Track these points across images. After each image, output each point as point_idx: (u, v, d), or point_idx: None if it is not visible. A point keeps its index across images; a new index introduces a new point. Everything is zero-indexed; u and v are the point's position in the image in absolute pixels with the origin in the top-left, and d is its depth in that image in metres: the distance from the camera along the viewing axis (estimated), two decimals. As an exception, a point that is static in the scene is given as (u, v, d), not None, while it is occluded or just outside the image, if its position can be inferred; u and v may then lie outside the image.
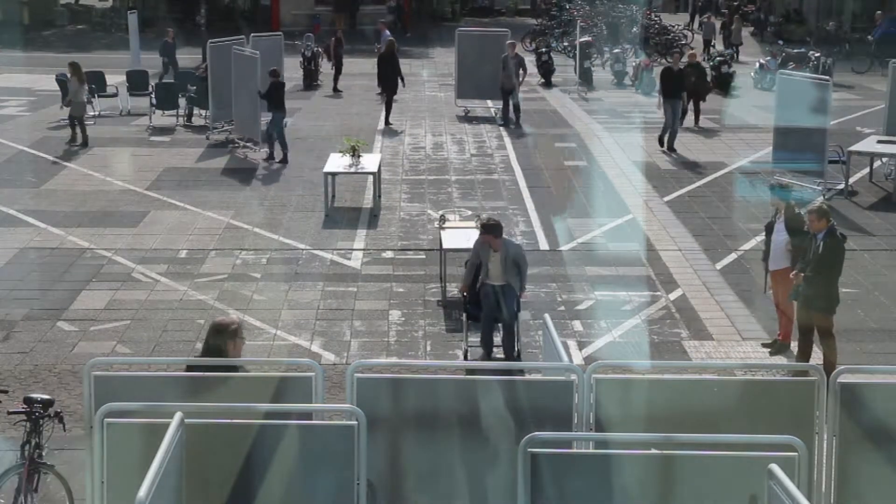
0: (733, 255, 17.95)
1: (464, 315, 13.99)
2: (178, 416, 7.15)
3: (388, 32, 34.21)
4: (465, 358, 13.67)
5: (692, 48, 35.09)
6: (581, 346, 14.28)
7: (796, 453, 7.07)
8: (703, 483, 7.22)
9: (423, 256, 17.87)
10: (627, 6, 44.17)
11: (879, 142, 23.13)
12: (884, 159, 22.93)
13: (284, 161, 24.13)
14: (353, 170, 20.59)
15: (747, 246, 18.27)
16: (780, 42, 41.48)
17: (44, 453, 9.86)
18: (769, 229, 14.21)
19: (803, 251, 13.36)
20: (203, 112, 27.87)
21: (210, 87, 26.14)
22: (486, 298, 13.49)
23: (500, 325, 13.66)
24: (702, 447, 7.38)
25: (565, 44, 42.48)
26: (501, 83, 28.44)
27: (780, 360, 13.83)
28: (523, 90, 34.21)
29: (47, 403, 9.87)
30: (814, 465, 8.31)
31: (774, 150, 22.91)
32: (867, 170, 22.89)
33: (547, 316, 10.73)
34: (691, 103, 27.83)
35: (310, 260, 17.70)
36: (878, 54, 36.76)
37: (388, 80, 29.18)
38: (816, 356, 13.20)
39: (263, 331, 14.70)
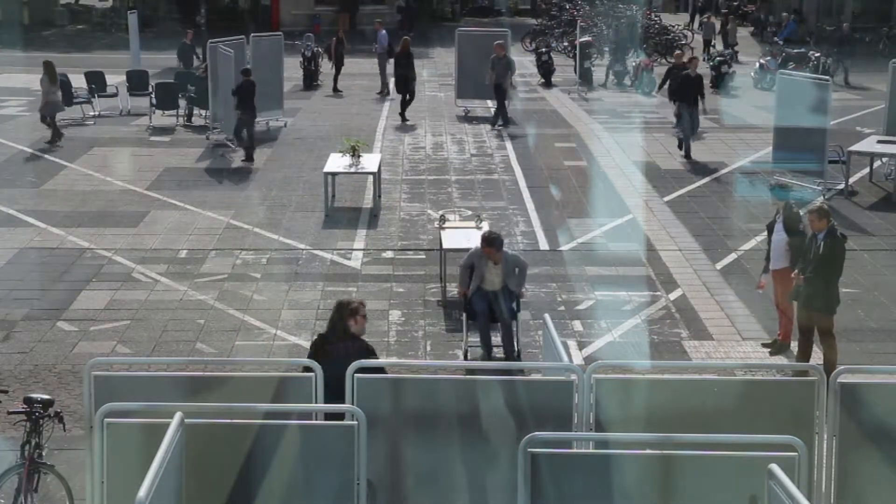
0: (733, 255, 17.95)
1: (464, 315, 13.99)
2: (178, 416, 7.16)
3: (384, 32, 34.19)
4: (465, 358, 13.67)
5: (692, 48, 35.14)
6: (581, 346, 14.28)
7: (796, 453, 7.08)
8: (703, 483, 7.22)
9: (423, 256, 17.87)
10: (627, 6, 44.17)
11: (879, 142, 23.13)
12: (884, 159, 22.93)
13: (249, 160, 24.13)
14: (353, 170, 20.59)
15: (747, 246, 18.27)
16: (780, 42, 41.47)
17: (44, 453, 9.86)
18: (770, 229, 14.21)
19: (801, 251, 13.37)
20: (203, 112, 27.87)
21: (210, 87, 26.14)
22: (480, 302, 13.52)
23: (498, 325, 13.68)
24: (702, 447, 7.38)
25: (565, 44, 42.49)
26: (492, 83, 28.21)
27: (780, 360, 13.83)
28: (523, 90, 34.30)
29: (47, 403, 9.87)
30: (814, 465, 8.31)
31: (774, 150, 22.91)
32: (867, 170, 22.88)
33: (547, 316, 10.74)
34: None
35: (310, 260, 17.70)
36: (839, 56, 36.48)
37: (406, 79, 29.37)
38: (816, 356, 13.20)
39: (263, 331, 14.70)
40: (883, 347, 14.32)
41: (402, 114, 29.31)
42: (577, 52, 34.84)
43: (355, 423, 7.62)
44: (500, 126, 28.16)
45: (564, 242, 18.63)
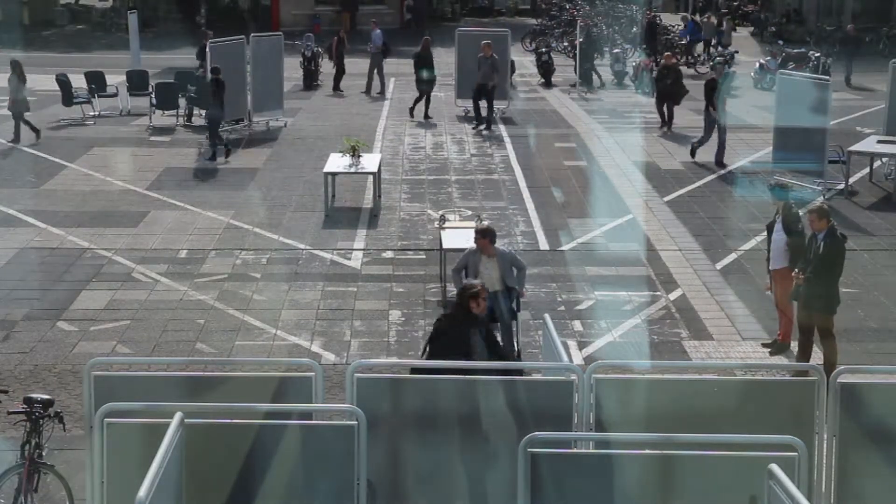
0: (733, 255, 17.95)
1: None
2: (178, 416, 7.16)
3: (378, 31, 34.19)
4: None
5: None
6: (581, 346, 14.28)
7: (796, 453, 7.08)
8: (703, 483, 7.23)
9: (423, 256, 17.87)
10: (627, 6, 44.16)
11: (879, 142, 23.13)
12: (884, 159, 22.93)
13: (213, 158, 24.20)
14: (353, 170, 20.59)
15: (747, 246, 18.27)
16: (780, 42, 41.49)
17: (44, 453, 9.86)
18: (770, 229, 14.21)
19: (800, 251, 13.37)
20: (203, 112, 27.85)
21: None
22: None
23: (498, 325, 13.67)
24: (702, 447, 7.38)
25: (565, 44, 42.49)
26: (480, 81, 28.09)
27: (780, 360, 13.83)
28: (523, 90, 34.30)
29: (47, 403, 9.87)
30: (814, 465, 8.31)
31: (774, 150, 22.91)
32: (867, 170, 22.88)
33: (547, 316, 10.74)
34: (665, 107, 27.83)
35: (310, 260, 17.70)
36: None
37: (428, 78, 29.61)
38: (816, 356, 13.20)
39: (263, 331, 14.70)
40: (883, 347, 14.32)
41: (412, 109, 29.71)
42: (577, 52, 34.83)
43: (355, 423, 7.62)
44: (481, 128, 27.94)
45: (564, 242, 18.63)
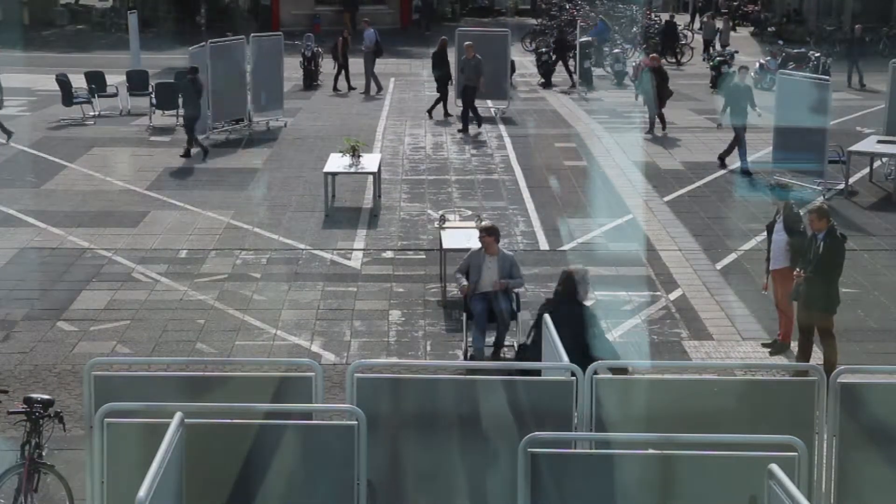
0: (733, 255, 17.95)
1: (464, 315, 14.00)
2: (178, 416, 7.16)
3: (371, 30, 34.17)
4: (466, 358, 13.68)
5: (692, 48, 35.11)
6: (581, 346, 14.26)
7: (796, 453, 7.08)
8: (703, 483, 7.22)
9: (423, 256, 17.87)
10: (627, 6, 44.15)
11: (879, 142, 23.13)
12: (884, 159, 22.92)
13: (187, 155, 24.26)
14: (353, 170, 20.58)
15: (747, 246, 18.27)
16: (780, 42, 41.47)
17: (44, 453, 9.86)
18: (770, 229, 14.21)
19: (801, 251, 13.37)
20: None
21: (210, 87, 26.10)
22: (479, 303, 13.55)
23: (496, 325, 13.73)
24: (702, 447, 7.38)
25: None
26: (463, 85, 27.78)
27: (780, 360, 13.83)
28: (523, 90, 34.29)
29: (47, 403, 9.87)
30: (814, 465, 8.31)
31: (774, 150, 22.90)
32: (867, 170, 22.89)
33: (547, 316, 10.74)
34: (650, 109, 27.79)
35: (310, 260, 17.70)
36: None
37: (444, 77, 29.66)
38: (816, 356, 13.20)
39: (263, 331, 14.70)
40: (883, 347, 14.32)
41: (429, 111, 29.78)
42: (577, 52, 34.81)
43: (355, 423, 7.62)
44: (459, 130, 27.72)
45: (565, 242, 18.63)
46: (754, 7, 54.03)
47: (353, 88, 33.99)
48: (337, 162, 20.84)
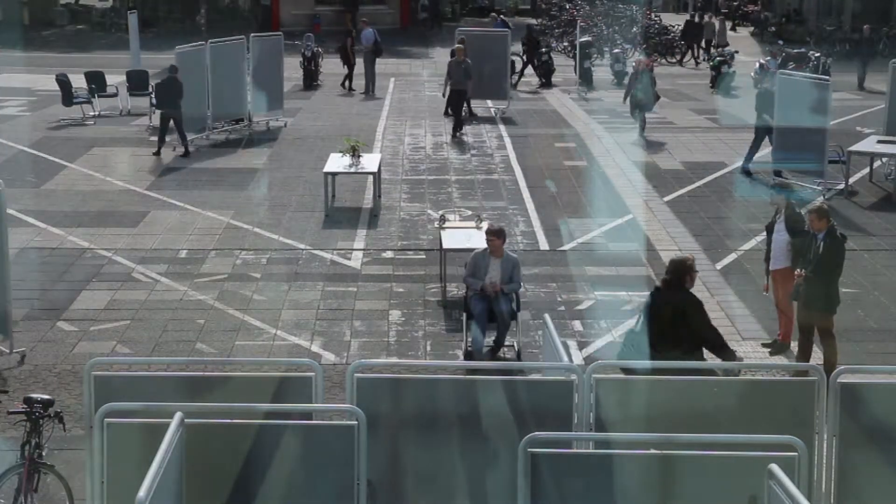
0: (733, 255, 17.94)
1: (464, 315, 14.00)
2: (178, 416, 7.16)
3: (369, 30, 34.17)
4: (466, 358, 13.68)
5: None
6: (581, 346, 14.28)
7: (796, 453, 7.08)
8: (703, 483, 7.23)
9: (423, 256, 17.87)
10: (627, 6, 44.16)
11: (879, 142, 23.13)
12: (884, 159, 22.92)
13: (157, 154, 24.34)
14: (353, 170, 20.58)
15: (747, 246, 18.27)
16: (781, 42, 41.47)
17: (44, 453, 9.86)
18: (770, 229, 14.21)
19: (803, 251, 13.36)
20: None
21: (210, 87, 26.11)
22: (479, 303, 13.56)
23: (496, 325, 13.74)
24: (702, 447, 7.38)
25: (565, 44, 42.47)
26: (452, 87, 27.61)
27: (780, 360, 13.83)
28: (523, 90, 34.29)
29: (47, 403, 9.86)
30: (814, 465, 8.31)
31: (774, 150, 22.89)
32: (867, 170, 22.88)
33: (547, 316, 10.74)
34: (636, 113, 27.71)
35: (310, 260, 17.70)
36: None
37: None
38: (816, 356, 13.20)
39: (263, 331, 14.70)
40: (883, 347, 14.32)
41: (469, 110, 29.35)
42: (577, 52, 34.82)
43: (355, 423, 7.62)
44: (459, 133, 27.51)
45: (565, 242, 18.63)
46: (754, 7, 54.03)
47: (353, 90, 33.99)
48: (337, 162, 20.84)
